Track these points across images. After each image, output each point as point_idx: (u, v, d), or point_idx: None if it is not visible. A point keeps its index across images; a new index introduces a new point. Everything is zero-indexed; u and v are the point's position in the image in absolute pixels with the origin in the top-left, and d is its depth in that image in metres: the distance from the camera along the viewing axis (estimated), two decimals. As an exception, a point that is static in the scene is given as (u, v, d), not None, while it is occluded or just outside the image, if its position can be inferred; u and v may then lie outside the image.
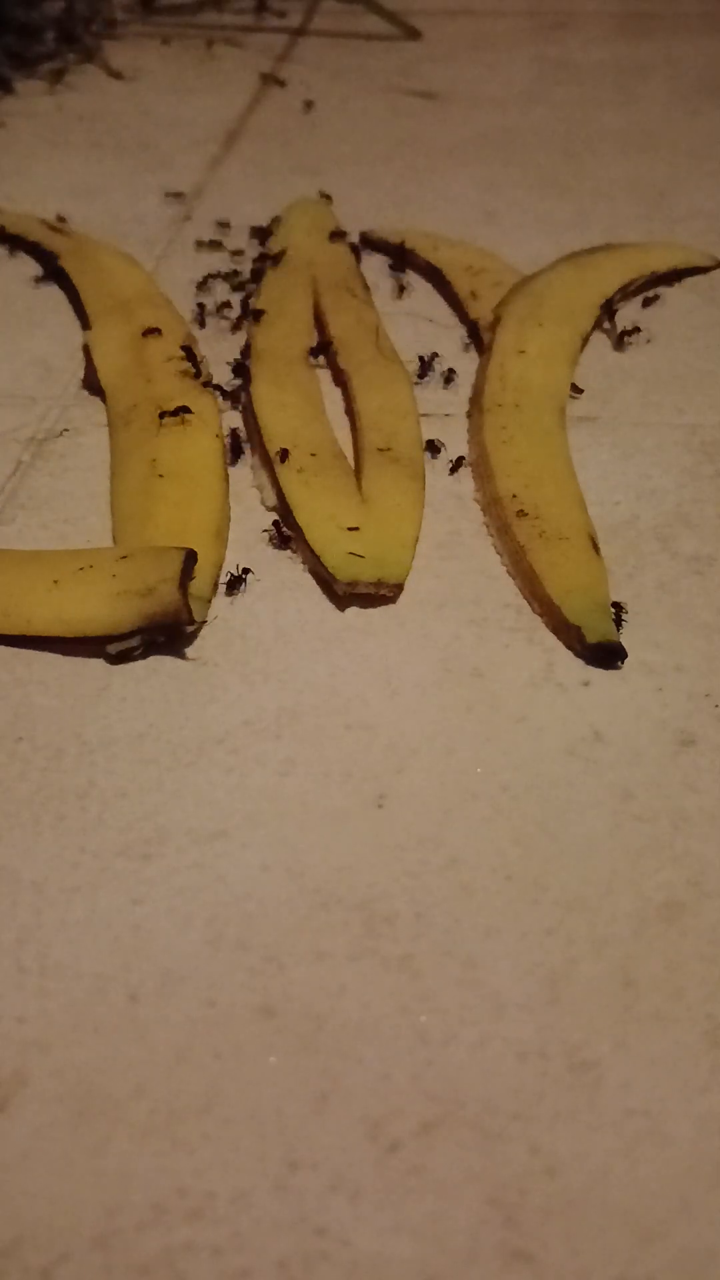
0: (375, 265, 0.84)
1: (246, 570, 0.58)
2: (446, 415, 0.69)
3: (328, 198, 0.91)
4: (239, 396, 0.69)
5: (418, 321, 0.78)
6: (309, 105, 1.07)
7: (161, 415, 0.65)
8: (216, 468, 0.63)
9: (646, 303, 0.79)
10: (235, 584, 0.57)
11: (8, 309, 0.81)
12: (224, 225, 0.89)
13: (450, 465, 0.65)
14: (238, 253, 0.85)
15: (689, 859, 0.46)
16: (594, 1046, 0.40)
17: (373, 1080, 0.39)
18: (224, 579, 0.58)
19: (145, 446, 0.64)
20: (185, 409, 0.65)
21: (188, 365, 0.69)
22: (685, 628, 0.55)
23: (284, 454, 0.63)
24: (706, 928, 0.43)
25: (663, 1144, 0.38)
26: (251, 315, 0.75)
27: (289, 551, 0.60)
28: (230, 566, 0.58)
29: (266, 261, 0.81)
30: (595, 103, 1.13)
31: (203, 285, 0.81)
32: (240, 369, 0.71)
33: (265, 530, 0.61)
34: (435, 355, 0.72)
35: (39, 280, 0.83)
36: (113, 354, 0.72)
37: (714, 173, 0.98)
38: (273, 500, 0.62)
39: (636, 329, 0.75)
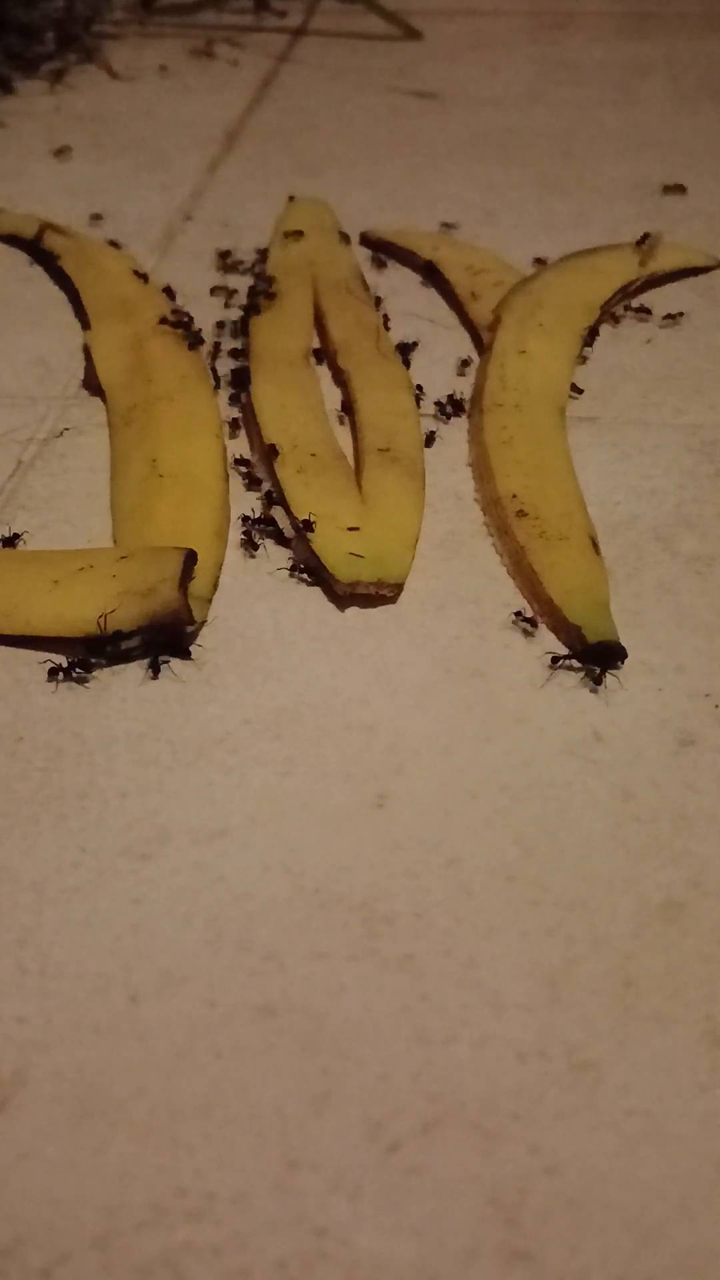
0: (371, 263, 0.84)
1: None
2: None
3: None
4: (239, 397, 0.69)
5: (418, 321, 0.78)
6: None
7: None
8: (216, 468, 0.63)
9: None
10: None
11: (8, 309, 0.81)
12: (226, 225, 0.89)
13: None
14: (237, 263, 0.85)
15: (689, 859, 0.46)
16: (594, 1046, 0.40)
17: (373, 1080, 0.39)
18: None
19: (145, 446, 0.64)
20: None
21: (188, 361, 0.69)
22: (685, 628, 0.55)
23: (275, 451, 0.63)
24: (706, 928, 0.43)
25: (663, 1144, 0.38)
26: (262, 295, 0.75)
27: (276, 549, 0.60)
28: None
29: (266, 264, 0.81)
30: (595, 103, 1.13)
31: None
32: (240, 370, 0.71)
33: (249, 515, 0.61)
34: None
35: (39, 281, 0.83)
36: (113, 354, 0.72)
37: (714, 173, 0.98)
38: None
39: (589, 345, 0.74)
